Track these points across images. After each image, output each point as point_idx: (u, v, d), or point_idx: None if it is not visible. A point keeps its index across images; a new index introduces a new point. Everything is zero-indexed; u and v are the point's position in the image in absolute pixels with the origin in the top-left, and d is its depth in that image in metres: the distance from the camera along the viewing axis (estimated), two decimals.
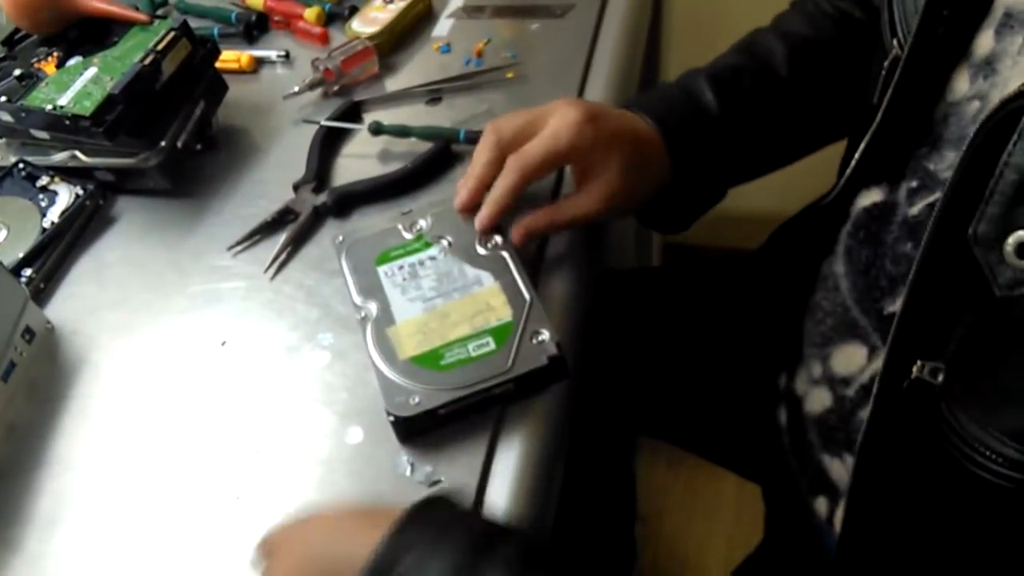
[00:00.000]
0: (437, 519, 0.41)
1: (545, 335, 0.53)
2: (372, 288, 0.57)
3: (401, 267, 0.58)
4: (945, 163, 0.47)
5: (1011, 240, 0.35)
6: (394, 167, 0.69)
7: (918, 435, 0.42)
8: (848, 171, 0.56)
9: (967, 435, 0.40)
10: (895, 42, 0.50)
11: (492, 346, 0.53)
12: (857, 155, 0.54)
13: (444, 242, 0.59)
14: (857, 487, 0.48)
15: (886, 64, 0.51)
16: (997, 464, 0.39)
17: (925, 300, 0.41)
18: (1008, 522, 0.41)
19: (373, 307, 0.56)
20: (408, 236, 0.60)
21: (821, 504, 0.59)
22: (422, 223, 0.60)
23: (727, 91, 0.62)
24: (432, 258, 0.58)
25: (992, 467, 0.39)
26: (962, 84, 0.46)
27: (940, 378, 0.41)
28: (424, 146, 0.70)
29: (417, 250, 0.59)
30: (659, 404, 0.82)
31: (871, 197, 0.54)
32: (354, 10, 0.84)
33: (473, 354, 0.53)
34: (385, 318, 0.55)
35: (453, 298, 0.56)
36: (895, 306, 0.51)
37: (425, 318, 0.55)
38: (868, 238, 0.54)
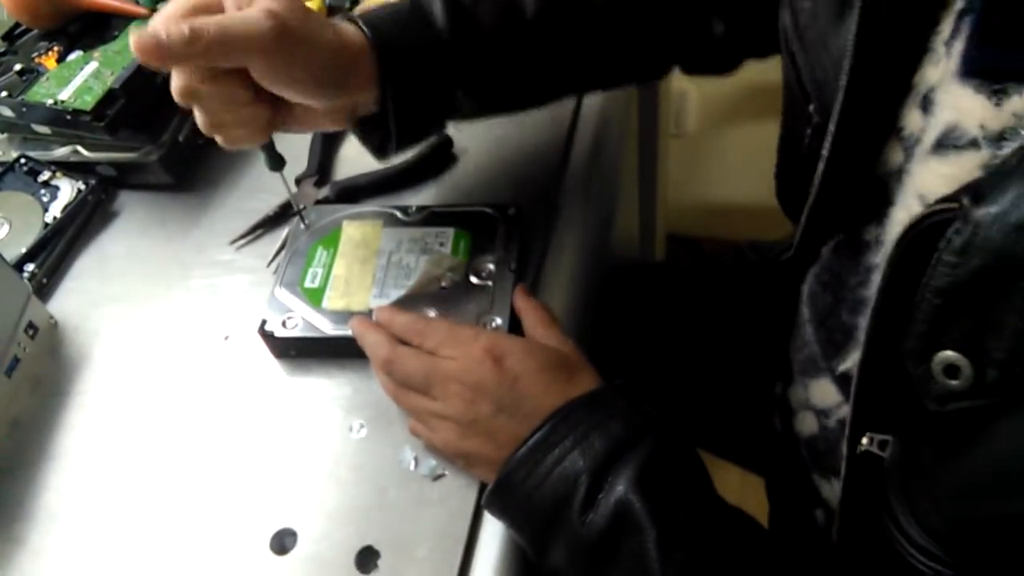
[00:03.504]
0: (597, 412, 0.46)
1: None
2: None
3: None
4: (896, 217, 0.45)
5: (938, 359, 0.34)
6: (396, 161, 0.69)
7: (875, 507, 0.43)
8: (798, 233, 0.54)
9: (898, 523, 0.40)
10: (811, 108, 0.47)
11: None
12: (803, 219, 0.52)
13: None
14: (847, 515, 0.48)
15: (808, 131, 0.48)
16: (920, 553, 0.39)
17: (872, 383, 0.41)
18: None
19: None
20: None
21: (819, 514, 0.59)
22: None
23: (461, 17, 0.54)
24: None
25: (918, 556, 0.39)
26: (896, 155, 0.44)
27: (889, 452, 0.41)
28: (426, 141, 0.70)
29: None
30: (661, 398, 0.82)
31: (836, 237, 0.53)
32: (355, 2, 0.83)
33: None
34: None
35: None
36: (846, 364, 0.51)
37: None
38: (831, 282, 0.53)
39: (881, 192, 0.45)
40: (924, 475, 0.38)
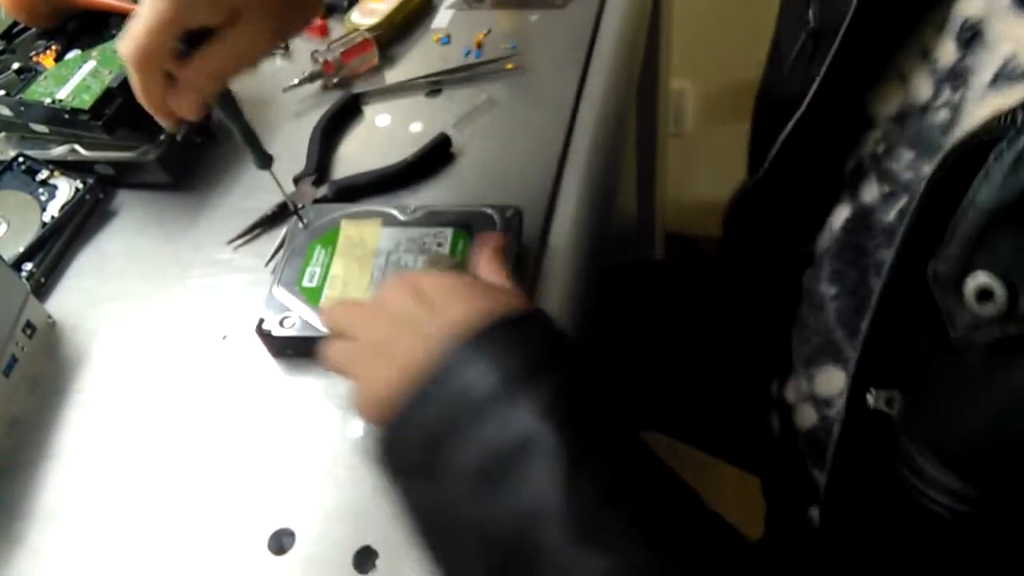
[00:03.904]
0: (514, 335, 0.41)
1: None
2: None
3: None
4: (903, 163, 0.46)
5: (970, 283, 0.33)
6: (394, 160, 0.69)
7: (877, 461, 0.42)
8: (771, 155, 0.54)
9: (914, 465, 0.39)
10: (811, 12, 0.47)
11: None
12: (783, 136, 0.51)
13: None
14: (829, 505, 0.47)
15: (803, 37, 0.48)
16: (939, 493, 0.38)
17: (887, 326, 0.40)
18: (952, 556, 0.40)
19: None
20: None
21: (814, 514, 0.59)
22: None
23: None
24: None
25: (935, 496, 0.38)
26: (923, 87, 0.44)
27: (896, 407, 0.40)
28: (425, 138, 0.70)
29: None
30: (658, 398, 0.82)
31: (842, 214, 0.53)
32: (353, 2, 0.83)
33: None
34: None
35: None
36: None
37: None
38: (854, 258, 0.52)
39: (893, 121, 0.44)
40: (944, 415, 0.37)
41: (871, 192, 0.49)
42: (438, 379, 0.40)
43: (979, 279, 0.33)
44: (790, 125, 0.52)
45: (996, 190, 0.32)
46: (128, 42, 0.47)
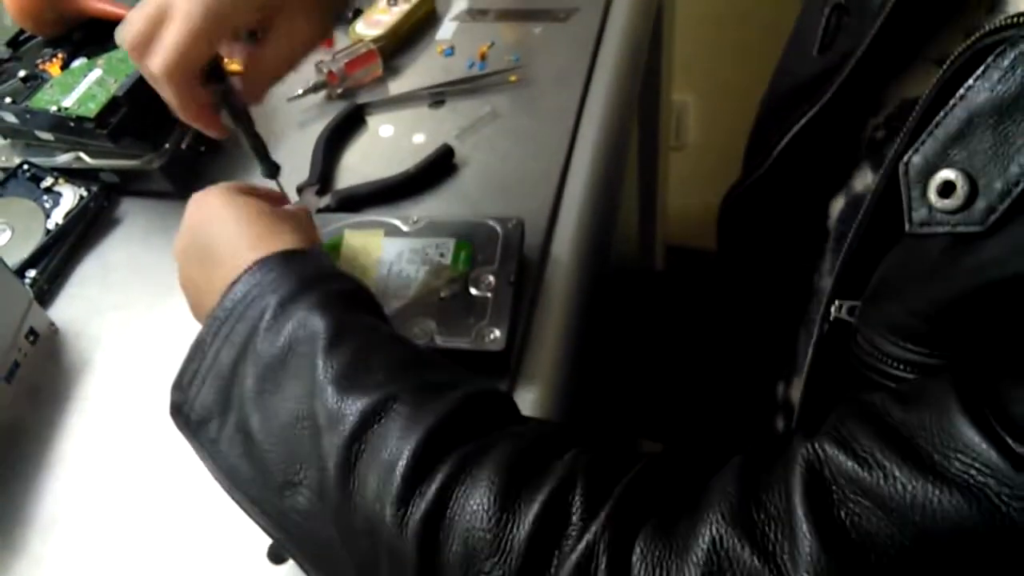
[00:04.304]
0: (285, 267, 0.45)
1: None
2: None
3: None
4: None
5: (937, 177, 0.34)
6: (397, 170, 0.69)
7: (841, 367, 0.43)
8: (777, 152, 0.53)
9: (874, 346, 0.40)
10: None
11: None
12: (801, 125, 0.51)
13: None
14: (812, 380, 0.48)
15: (826, 11, 0.47)
16: (898, 367, 0.39)
17: (864, 245, 0.41)
18: None
19: None
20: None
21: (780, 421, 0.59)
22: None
23: None
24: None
25: (894, 371, 0.39)
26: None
27: (856, 313, 0.42)
28: (428, 149, 0.70)
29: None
30: (660, 407, 0.82)
31: (837, 205, 0.53)
32: (358, 12, 0.84)
33: None
34: None
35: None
36: None
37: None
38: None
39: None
40: (900, 300, 0.38)
41: (864, 180, 0.49)
42: (220, 324, 0.44)
43: (945, 174, 0.34)
44: (814, 109, 0.51)
45: (988, 90, 0.32)
46: (160, 57, 0.46)
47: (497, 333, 0.54)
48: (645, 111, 1.24)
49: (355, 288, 0.46)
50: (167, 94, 0.48)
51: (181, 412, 0.44)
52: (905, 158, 0.36)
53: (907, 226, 0.36)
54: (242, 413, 0.42)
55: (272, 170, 0.57)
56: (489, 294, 0.56)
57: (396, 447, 0.37)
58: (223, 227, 0.48)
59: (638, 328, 0.82)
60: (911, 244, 0.37)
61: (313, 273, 0.45)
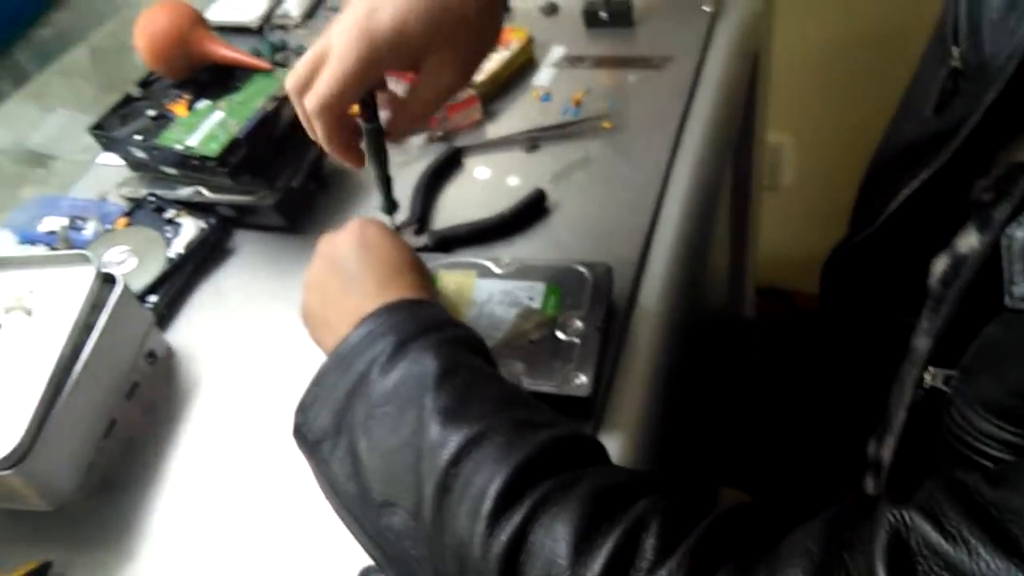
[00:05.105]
0: (405, 313, 0.49)
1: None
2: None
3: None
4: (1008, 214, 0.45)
5: None
6: (491, 212, 0.72)
7: (934, 434, 0.43)
8: (895, 206, 0.54)
9: (967, 421, 0.40)
10: (955, 51, 0.47)
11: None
12: (914, 188, 0.51)
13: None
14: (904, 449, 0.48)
15: (943, 73, 0.48)
16: (990, 444, 0.38)
17: (966, 306, 0.41)
18: None
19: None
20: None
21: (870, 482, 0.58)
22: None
23: None
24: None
25: (986, 448, 0.39)
26: None
27: (952, 384, 0.42)
28: (522, 192, 0.73)
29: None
30: (744, 456, 0.82)
31: (940, 265, 0.53)
32: None
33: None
34: None
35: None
36: None
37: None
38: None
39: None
40: (997, 375, 0.38)
41: (968, 241, 0.49)
42: (342, 359, 0.48)
43: None
44: (927, 172, 0.52)
45: None
46: (316, 95, 0.51)
47: (583, 378, 0.56)
48: (739, 153, 1.23)
49: (467, 335, 0.50)
50: (318, 128, 0.52)
51: (301, 432, 0.48)
52: (1009, 229, 0.36)
53: (1007, 300, 0.36)
54: (352, 437, 0.45)
55: (391, 207, 0.61)
56: (577, 339, 0.58)
57: (488, 476, 0.40)
58: (354, 267, 0.53)
59: (726, 375, 0.82)
60: (1010, 319, 0.37)
61: (431, 321, 0.48)
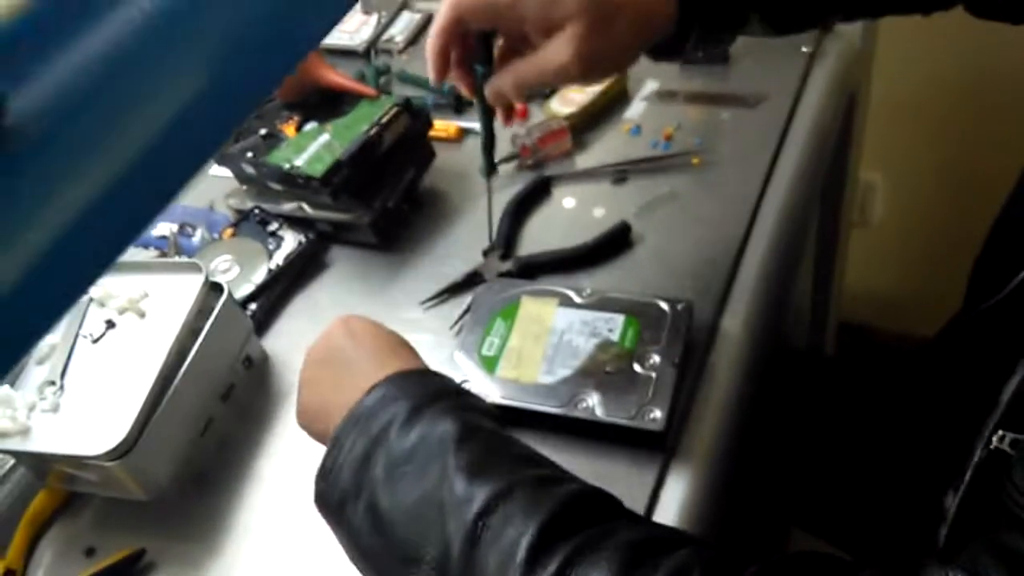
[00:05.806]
0: (416, 381, 0.51)
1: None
2: None
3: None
4: None
5: None
6: (575, 242, 0.74)
7: (994, 497, 0.42)
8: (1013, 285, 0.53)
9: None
10: None
11: None
12: None
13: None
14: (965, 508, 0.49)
15: None
16: None
17: None
18: None
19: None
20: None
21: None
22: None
23: None
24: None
25: None
26: None
27: (1020, 448, 0.42)
28: (607, 224, 0.74)
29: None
30: (817, 498, 0.81)
31: None
32: (554, 90, 0.90)
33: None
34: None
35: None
36: None
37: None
38: None
39: None
40: None
41: None
42: (358, 420, 0.49)
43: None
44: None
45: None
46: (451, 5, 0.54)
47: (658, 413, 0.57)
48: (830, 188, 1.22)
49: (479, 401, 0.53)
50: (434, 30, 0.55)
51: (324, 499, 0.50)
52: None
53: None
54: (372, 495, 0.46)
55: (491, 169, 0.65)
56: (653, 373, 0.59)
57: (520, 528, 0.41)
58: (350, 354, 0.55)
59: (804, 412, 0.82)
60: None
61: (443, 388, 0.51)
